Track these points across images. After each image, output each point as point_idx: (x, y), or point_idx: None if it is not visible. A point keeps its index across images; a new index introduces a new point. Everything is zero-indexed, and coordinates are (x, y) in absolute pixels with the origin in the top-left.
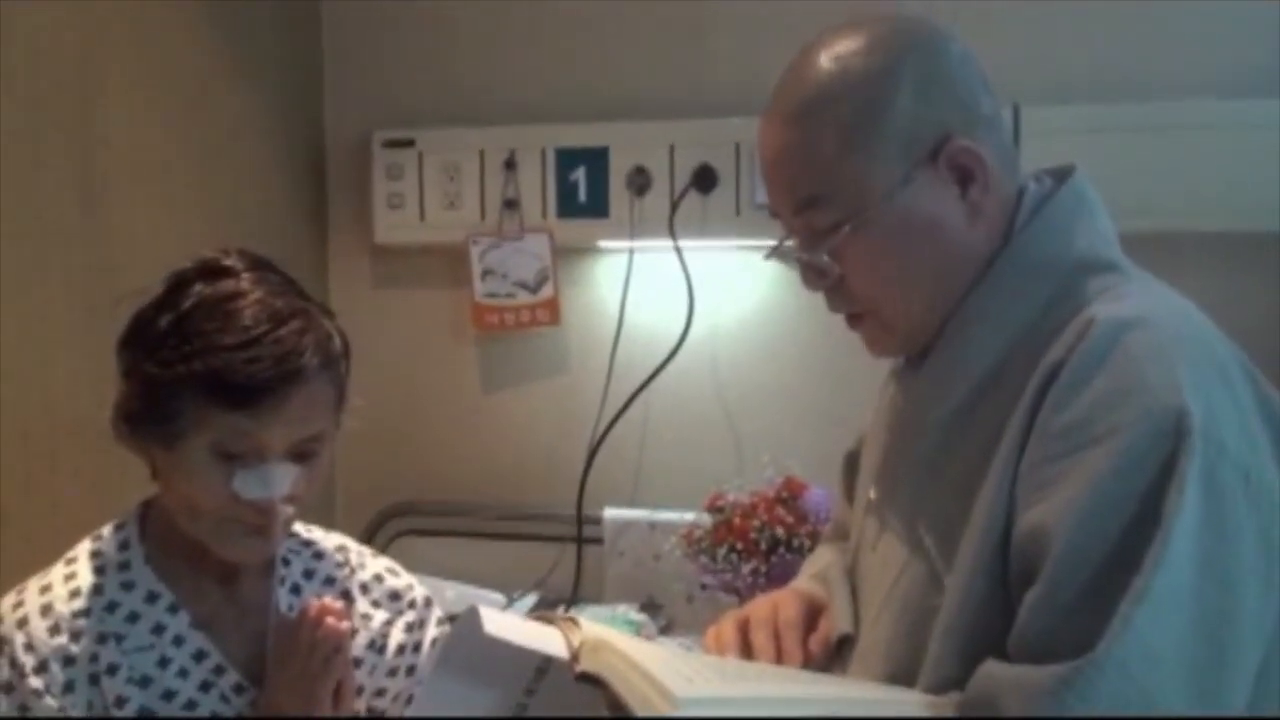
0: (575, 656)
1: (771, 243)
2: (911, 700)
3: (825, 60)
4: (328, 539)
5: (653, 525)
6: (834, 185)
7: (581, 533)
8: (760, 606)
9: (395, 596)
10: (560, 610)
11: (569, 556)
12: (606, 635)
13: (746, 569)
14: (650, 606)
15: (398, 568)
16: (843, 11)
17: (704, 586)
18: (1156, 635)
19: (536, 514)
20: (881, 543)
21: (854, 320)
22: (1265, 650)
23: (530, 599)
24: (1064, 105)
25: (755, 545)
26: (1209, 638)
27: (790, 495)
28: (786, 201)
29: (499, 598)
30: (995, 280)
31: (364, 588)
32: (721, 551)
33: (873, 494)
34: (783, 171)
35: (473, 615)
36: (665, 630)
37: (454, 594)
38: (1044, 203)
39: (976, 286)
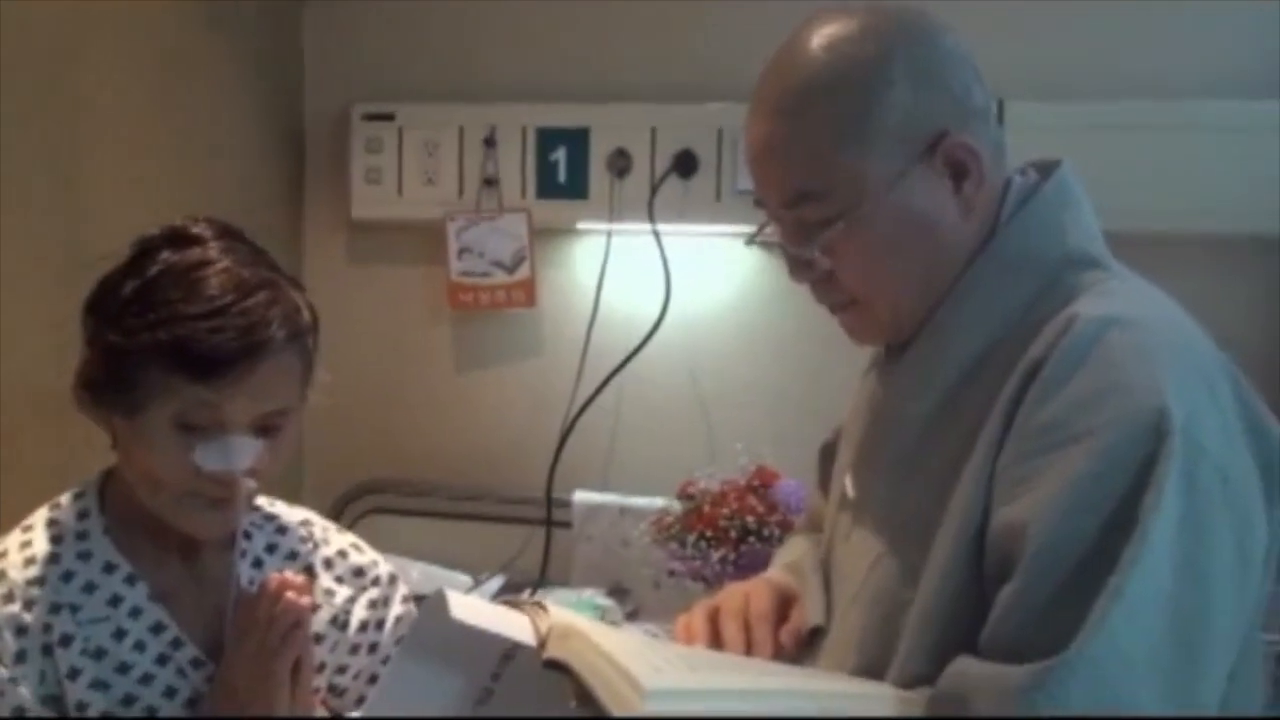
0: (542, 643)
1: (753, 229)
2: (882, 694)
3: (817, 48)
4: (292, 513)
5: (623, 510)
6: (828, 180)
7: (550, 516)
8: (731, 597)
9: (359, 573)
10: (527, 593)
11: (537, 539)
12: (575, 622)
13: (716, 557)
14: (618, 592)
15: (362, 544)
16: None
17: (672, 573)
18: (1131, 636)
19: (506, 496)
20: (855, 535)
21: (839, 308)
22: (1238, 651)
23: (497, 581)
24: (1049, 102)
25: (725, 533)
26: (1183, 639)
27: (762, 484)
28: (776, 194)
29: (465, 579)
30: (979, 274)
31: (327, 563)
32: (691, 539)
33: (849, 486)
34: (773, 164)
35: (440, 599)
36: (632, 616)
37: (420, 574)
38: (1029, 196)
39: (960, 280)
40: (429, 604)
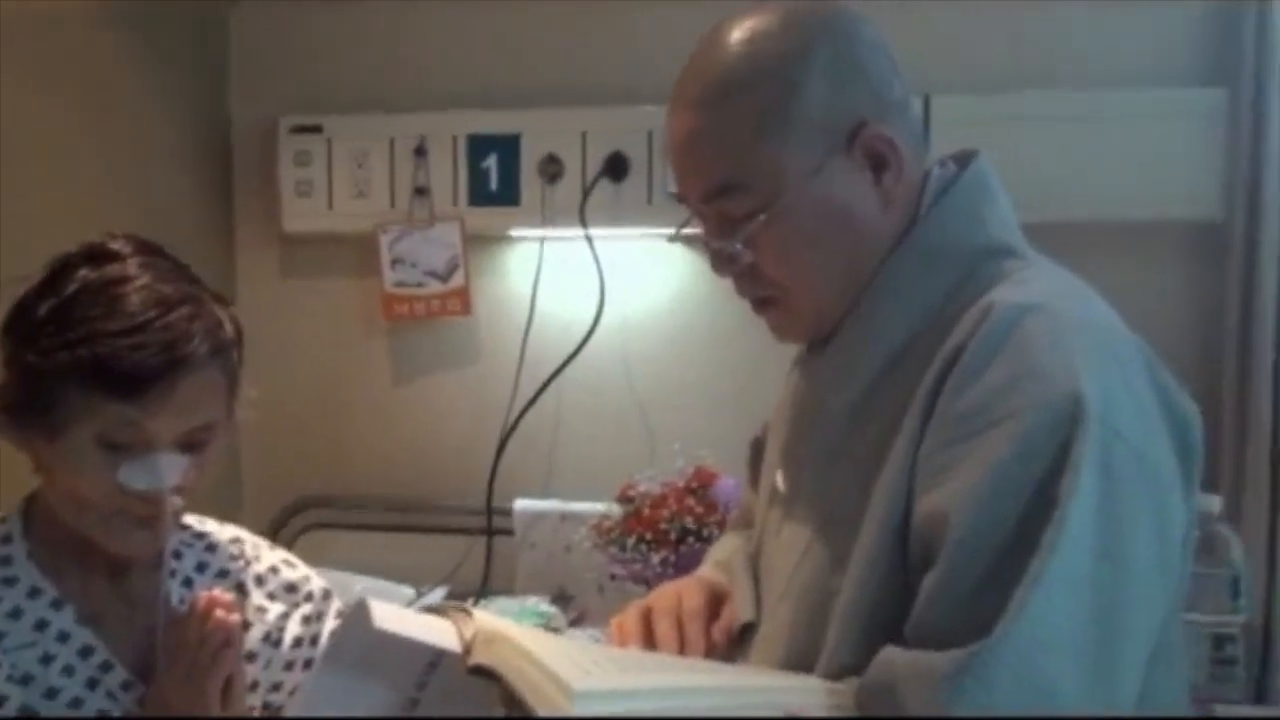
0: (468, 649)
1: (681, 228)
2: (810, 687)
3: (736, 42)
4: (222, 531)
5: (564, 516)
6: (748, 172)
7: (491, 524)
8: (663, 596)
9: (291, 589)
10: (469, 603)
11: (479, 549)
12: (501, 627)
13: (656, 559)
14: (561, 598)
15: (294, 560)
16: None
17: (614, 577)
18: (1052, 619)
19: (447, 506)
20: (784, 529)
21: (761, 305)
22: (1159, 631)
23: (440, 592)
24: (975, 95)
25: (665, 535)
26: (1104, 620)
27: (701, 485)
28: (697, 188)
29: (408, 591)
30: (898, 265)
31: (259, 580)
32: (631, 542)
33: (777, 480)
34: (694, 157)
35: (362, 608)
36: (576, 622)
37: (362, 588)
38: (948, 188)
39: (881, 271)
40: (351, 614)
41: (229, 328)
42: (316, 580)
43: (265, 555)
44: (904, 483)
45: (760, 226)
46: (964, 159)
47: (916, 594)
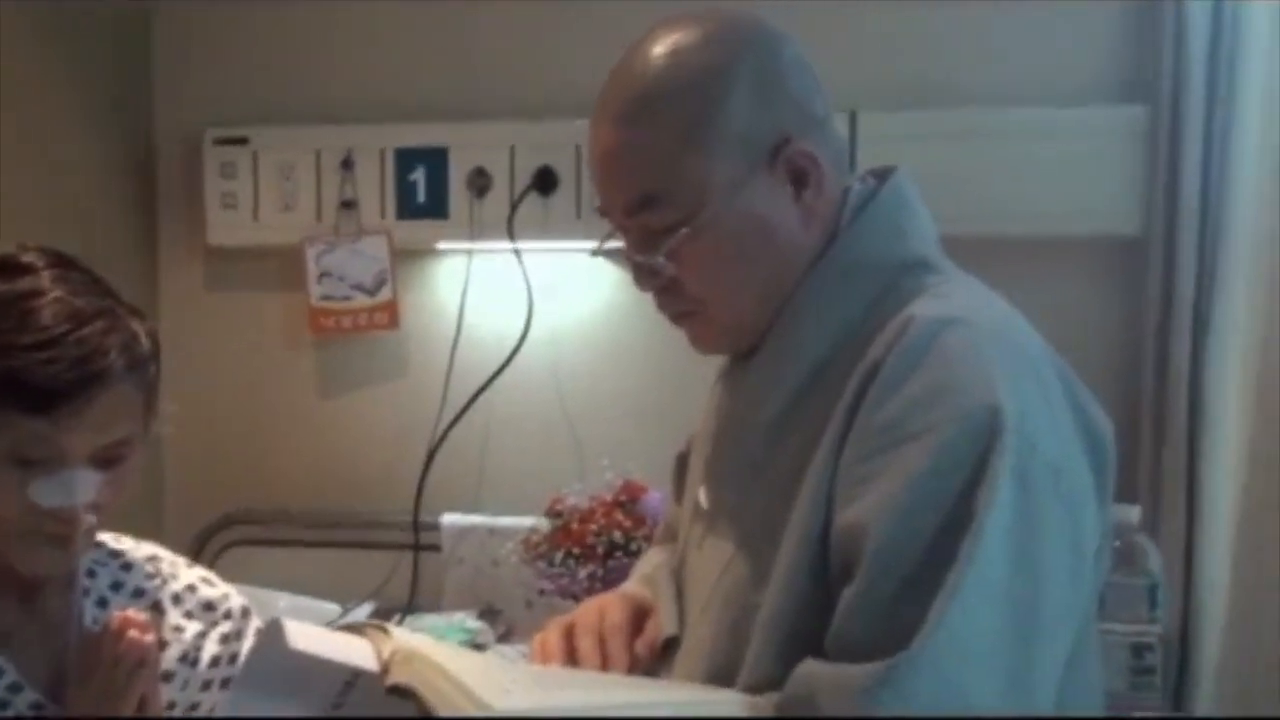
0: (385, 668)
1: (604, 242)
2: (730, 700)
3: (659, 56)
4: (138, 549)
5: (492, 531)
6: (671, 185)
7: (418, 539)
8: (586, 612)
9: (209, 607)
10: (396, 619)
11: (406, 564)
12: (419, 645)
13: (584, 573)
14: (489, 614)
15: (213, 577)
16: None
17: (542, 592)
18: (970, 630)
19: (373, 521)
20: (707, 542)
21: (681, 318)
22: (1074, 640)
23: (366, 608)
24: (901, 112)
25: (593, 549)
26: (1020, 630)
27: (629, 499)
28: (620, 201)
29: (334, 608)
30: (819, 280)
31: (176, 599)
32: (559, 556)
33: (700, 494)
34: (617, 170)
35: (276, 628)
36: (504, 637)
37: (287, 605)
38: (866, 203)
39: (802, 286)
40: (265, 634)
41: (145, 342)
42: (236, 598)
43: (183, 573)
44: (824, 495)
45: (682, 240)
46: (884, 174)
47: (837, 606)
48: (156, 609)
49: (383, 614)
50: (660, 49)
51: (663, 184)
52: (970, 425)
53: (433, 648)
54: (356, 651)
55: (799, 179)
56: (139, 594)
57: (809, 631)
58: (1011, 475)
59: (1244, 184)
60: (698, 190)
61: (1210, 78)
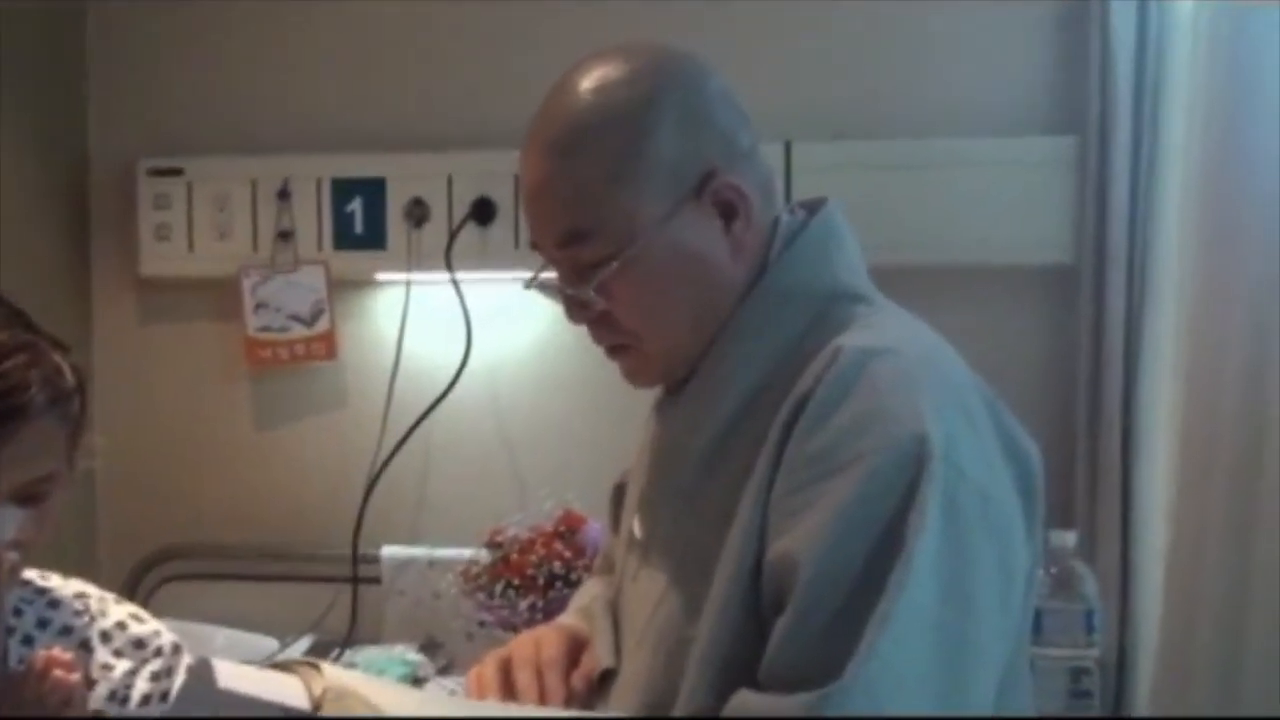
0: (317, 705)
1: (538, 274)
2: None
3: (586, 90)
4: (66, 586)
5: (432, 563)
6: (599, 219)
7: (357, 572)
8: (522, 645)
9: (140, 644)
10: (335, 653)
11: (345, 597)
12: (352, 683)
13: (524, 605)
14: (430, 646)
15: (143, 614)
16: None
17: (482, 624)
18: (901, 658)
19: (312, 554)
20: (642, 574)
21: (614, 351)
22: (1005, 667)
23: (305, 642)
24: (834, 142)
25: (533, 580)
26: (950, 658)
27: (569, 529)
28: (550, 235)
29: (272, 643)
30: (749, 311)
31: (105, 636)
32: (499, 588)
33: (635, 525)
34: (546, 204)
35: (205, 666)
36: (445, 670)
37: (225, 640)
38: (796, 234)
39: (732, 317)
40: (193, 673)
41: (69, 376)
42: (166, 635)
43: (112, 610)
44: (756, 526)
45: (612, 273)
46: (814, 206)
47: (770, 637)
48: (84, 647)
49: (322, 647)
50: (587, 83)
51: (590, 218)
52: (898, 454)
53: (366, 685)
54: (287, 690)
55: (727, 211)
56: (66, 631)
57: (743, 663)
58: (940, 503)
59: (1171, 212)
60: (626, 224)
61: (1136, 108)
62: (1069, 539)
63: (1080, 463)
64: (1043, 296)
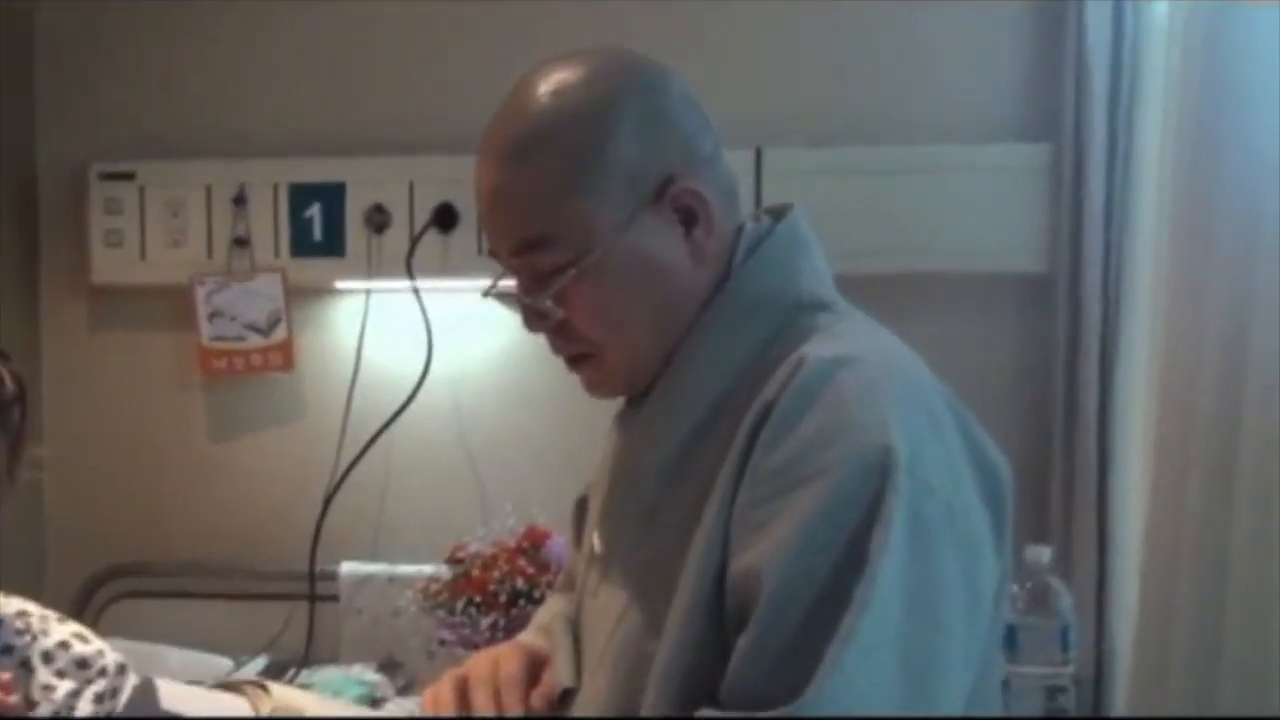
0: None
1: (497, 283)
2: None
3: (543, 94)
4: (7, 604)
5: (391, 579)
6: (556, 226)
7: (314, 589)
8: (479, 664)
9: (83, 664)
10: (291, 672)
11: (302, 615)
12: (300, 702)
13: (486, 622)
14: (389, 665)
15: (88, 633)
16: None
17: (443, 642)
18: (865, 675)
19: (267, 571)
20: (603, 591)
21: (574, 362)
22: (972, 685)
23: (260, 662)
24: (807, 148)
25: (495, 597)
26: (916, 674)
27: (532, 545)
28: (506, 242)
29: (226, 662)
30: (712, 320)
31: (46, 656)
32: (460, 605)
33: (595, 540)
34: (502, 211)
35: (148, 687)
36: (405, 690)
37: (178, 661)
38: (761, 241)
39: (695, 326)
40: (137, 694)
41: (9, 384)
42: (111, 655)
43: (54, 629)
44: (719, 541)
45: (570, 281)
46: (779, 212)
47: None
48: (25, 667)
49: (278, 667)
50: (544, 87)
51: (547, 225)
52: (863, 466)
53: (316, 705)
54: (232, 711)
55: (688, 217)
56: (7, 651)
57: (705, 681)
58: (905, 516)
59: (1147, 218)
60: (583, 231)
61: (1111, 113)
62: (1044, 554)
63: (1055, 476)
64: (1017, 305)
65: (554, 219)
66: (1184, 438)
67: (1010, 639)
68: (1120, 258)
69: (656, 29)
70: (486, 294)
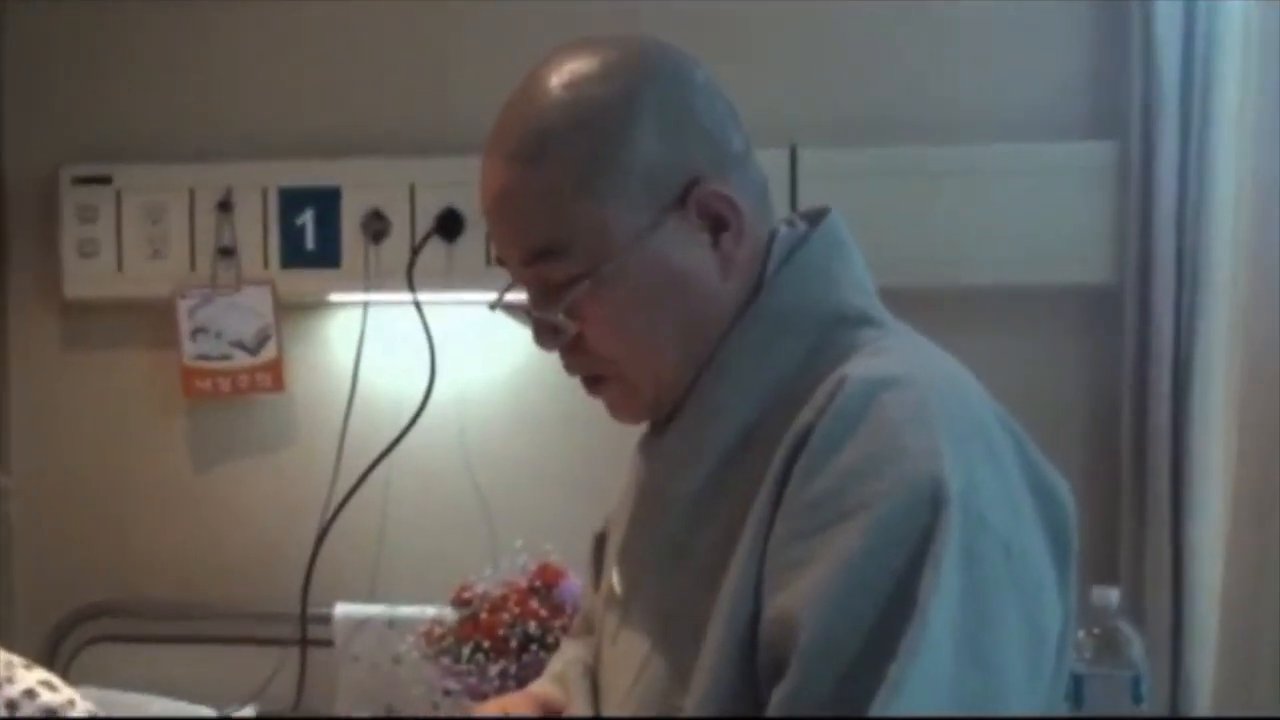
0: None
1: (505, 294)
2: None
3: (555, 87)
4: None
5: (391, 623)
6: (570, 233)
7: (306, 633)
8: (488, 714)
9: (51, 714)
10: None
11: (293, 661)
12: None
13: (495, 670)
14: (389, 717)
15: (56, 681)
16: None
17: (448, 692)
18: None
19: (256, 613)
20: (623, 635)
21: (593, 383)
22: None
23: (247, 712)
24: (846, 148)
25: (505, 643)
26: None
27: (546, 585)
28: (515, 250)
29: (210, 713)
30: (743, 336)
31: (11, 705)
32: (467, 651)
33: (615, 580)
34: (511, 216)
35: None
36: None
37: (159, 710)
38: (796, 249)
39: (724, 343)
40: None
41: None
42: (81, 704)
43: (20, 676)
44: (751, 582)
45: (585, 293)
46: (815, 216)
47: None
48: None
49: (267, 718)
50: (556, 80)
51: (560, 231)
52: (910, 498)
53: None
54: None
55: (716, 223)
56: None
57: None
58: (958, 555)
59: (1223, 225)
60: (599, 238)
61: (1183, 107)
62: (1112, 596)
63: (1125, 509)
64: (1080, 321)
65: (567, 225)
66: (1267, 467)
67: (1076, 690)
68: (1195, 267)
69: (681, 18)
70: (494, 306)
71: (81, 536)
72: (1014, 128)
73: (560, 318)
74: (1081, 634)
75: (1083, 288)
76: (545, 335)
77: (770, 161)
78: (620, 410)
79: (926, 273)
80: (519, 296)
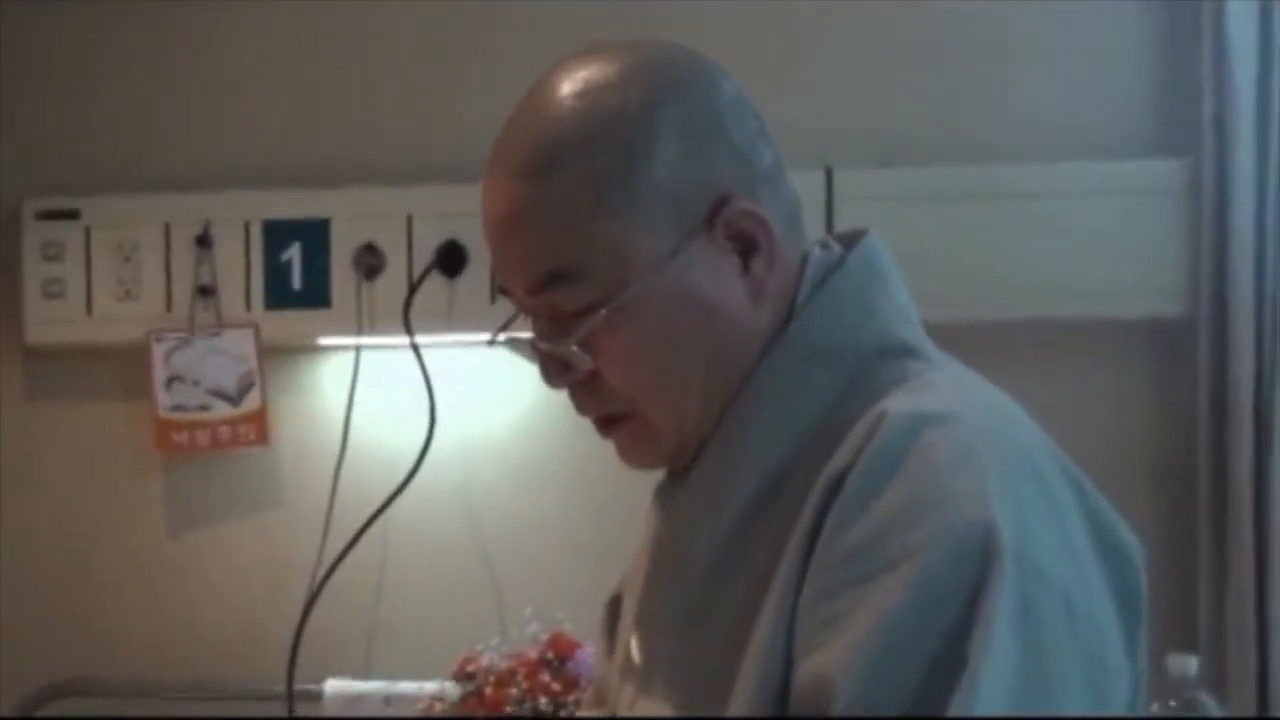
0: None
1: (507, 326)
2: None
3: (568, 96)
4: None
5: (388, 700)
6: (584, 256)
7: (293, 711)
8: None
9: None
10: None
11: None
12: None
13: None
14: None
15: None
16: None
17: None
18: None
19: (239, 691)
20: (640, 705)
21: (607, 424)
22: None
23: None
24: (885, 169)
25: None
26: None
27: (558, 656)
28: (521, 278)
29: None
30: (774, 370)
31: None
32: None
33: (632, 646)
34: (517, 239)
35: None
36: None
37: None
38: (830, 273)
39: (752, 378)
40: None
41: None
42: None
43: None
44: (782, 643)
45: (600, 324)
46: (851, 239)
47: None
48: None
49: None
50: (568, 88)
51: (572, 255)
52: (958, 548)
53: None
54: None
55: (745, 246)
56: None
57: None
58: (1012, 610)
59: None
60: (617, 263)
61: (1260, 120)
62: (1190, 664)
63: (1203, 567)
64: (1149, 358)
65: (581, 247)
66: None
67: None
68: (1276, 296)
69: (708, 31)
70: (493, 340)
71: (46, 608)
72: (1072, 145)
73: (573, 351)
74: (1155, 706)
75: (1151, 321)
76: (555, 371)
77: (803, 184)
78: (634, 454)
79: (975, 305)
80: (524, 333)
